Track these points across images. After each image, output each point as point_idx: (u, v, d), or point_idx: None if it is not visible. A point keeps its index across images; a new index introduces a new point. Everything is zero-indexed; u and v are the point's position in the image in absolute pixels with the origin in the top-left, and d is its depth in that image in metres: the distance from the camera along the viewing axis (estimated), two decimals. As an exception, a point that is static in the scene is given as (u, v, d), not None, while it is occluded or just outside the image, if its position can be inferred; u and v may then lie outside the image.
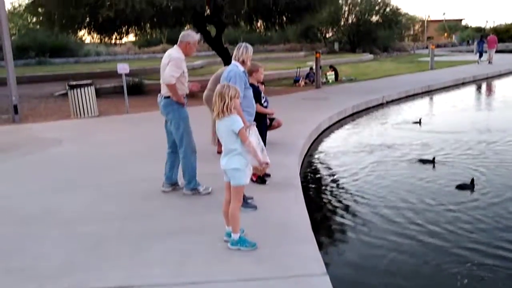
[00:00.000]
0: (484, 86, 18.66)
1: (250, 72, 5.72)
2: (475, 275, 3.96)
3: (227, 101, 3.71)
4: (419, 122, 10.57)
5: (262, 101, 5.97)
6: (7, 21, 11.69)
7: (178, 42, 5.25)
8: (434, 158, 7.34)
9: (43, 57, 31.39)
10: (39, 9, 15.44)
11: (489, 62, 26.42)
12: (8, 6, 18.86)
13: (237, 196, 3.88)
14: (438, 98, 15.47)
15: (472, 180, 6.15)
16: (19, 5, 16.70)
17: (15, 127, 10.65)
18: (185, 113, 5.28)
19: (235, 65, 5.10)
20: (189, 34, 5.26)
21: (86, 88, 11.51)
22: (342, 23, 45.86)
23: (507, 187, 6.14)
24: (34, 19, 17.15)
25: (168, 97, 5.18)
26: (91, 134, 9.53)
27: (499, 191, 5.97)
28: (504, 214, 5.25)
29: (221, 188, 5.22)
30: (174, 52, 5.20)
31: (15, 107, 11.23)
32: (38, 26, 19.59)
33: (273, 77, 20.62)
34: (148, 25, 17.43)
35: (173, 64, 5.09)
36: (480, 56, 27.89)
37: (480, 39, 29.60)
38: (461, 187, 6.13)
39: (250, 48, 5.14)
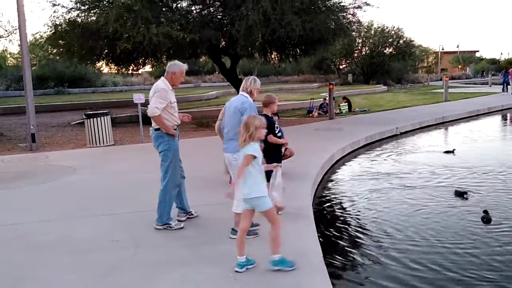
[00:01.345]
0: (501, 117, 18.51)
1: (266, 104, 5.85)
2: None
3: (251, 131, 3.91)
4: (453, 152, 10.54)
5: (276, 131, 6.01)
6: (28, 54, 12.07)
7: (165, 73, 5.30)
8: (465, 193, 7.07)
9: (62, 87, 32.16)
10: (60, 41, 15.91)
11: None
12: (29, 38, 19.46)
13: (272, 219, 3.99)
14: (453, 129, 15.36)
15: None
16: (41, 37, 17.17)
17: (32, 155, 10.83)
18: (175, 145, 5.27)
19: (247, 96, 5.21)
20: (175, 64, 5.31)
21: (102, 118, 11.73)
22: (356, 54, 46.35)
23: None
24: (55, 51, 17.61)
25: (159, 129, 5.18)
26: (106, 162, 9.65)
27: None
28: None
29: (229, 218, 5.22)
30: (160, 84, 5.22)
31: (33, 136, 11.46)
32: (58, 57, 20.11)
33: (287, 108, 20.76)
34: (165, 56, 17.82)
35: (157, 95, 5.12)
36: (506, 86, 28.01)
37: (506, 70, 30.15)
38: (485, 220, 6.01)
39: (258, 80, 5.32)
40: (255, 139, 3.95)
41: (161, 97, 5.12)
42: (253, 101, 5.25)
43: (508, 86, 27.91)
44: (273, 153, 5.91)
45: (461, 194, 7.07)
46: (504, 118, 18.61)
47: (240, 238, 4.01)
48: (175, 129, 5.27)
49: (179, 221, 5.42)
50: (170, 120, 5.21)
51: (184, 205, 5.56)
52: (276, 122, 6.51)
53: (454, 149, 10.71)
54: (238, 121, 4.71)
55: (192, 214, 5.58)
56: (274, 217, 3.99)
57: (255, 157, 3.94)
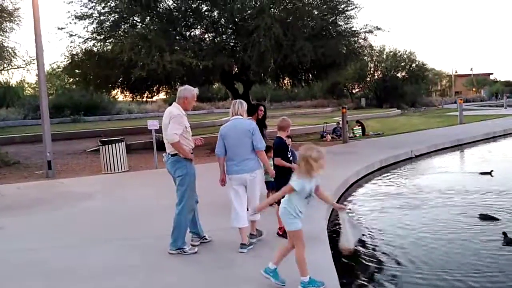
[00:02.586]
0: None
1: (283, 128, 5.85)
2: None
3: (311, 164, 4.16)
4: (490, 173, 10.29)
5: (288, 155, 6.00)
6: (45, 83, 12.36)
7: (176, 99, 5.35)
8: (495, 219, 6.87)
9: (78, 115, 32.67)
10: (76, 70, 16.25)
11: None
12: (46, 67, 19.99)
13: (296, 241, 4.13)
14: (469, 151, 15.17)
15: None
16: (58, 67, 17.54)
17: (48, 182, 10.94)
18: (193, 169, 5.30)
19: (248, 120, 5.56)
20: (186, 89, 5.36)
21: (117, 144, 11.86)
22: (368, 79, 46.43)
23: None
24: (71, 80, 17.99)
25: (175, 154, 5.21)
26: (120, 189, 9.70)
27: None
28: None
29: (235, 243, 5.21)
30: (174, 110, 5.26)
31: (49, 163, 11.60)
32: (74, 86, 20.52)
33: (300, 132, 20.77)
34: (178, 83, 18.06)
35: (174, 121, 5.15)
36: None
37: None
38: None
39: (244, 103, 5.60)
40: (312, 173, 4.15)
41: (178, 123, 5.15)
42: None
43: None
44: (284, 176, 5.86)
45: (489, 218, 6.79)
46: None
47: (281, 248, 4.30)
48: (191, 153, 5.30)
49: (192, 245, 5.39)
50: (186, 145, 5.24)
51: (198, 229, 5.54)
52: (290, 146, 6.51)
53: (492, 170, 10.37)
54: (250, 142, 5.25)
55: (206, 239, 5.56)
56: (296, 241, 4.14)
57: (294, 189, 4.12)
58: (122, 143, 12.11)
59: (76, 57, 15.49)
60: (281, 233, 5.61)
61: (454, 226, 6.75)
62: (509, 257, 5.50)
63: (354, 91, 50.89)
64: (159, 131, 13.05)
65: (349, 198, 8.97)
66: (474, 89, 73.04)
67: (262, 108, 7.26)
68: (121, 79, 16.21)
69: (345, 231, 4.22)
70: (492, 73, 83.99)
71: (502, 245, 5.89)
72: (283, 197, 4.29)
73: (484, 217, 6.93)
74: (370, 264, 5.53)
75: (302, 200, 4.12)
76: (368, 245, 6.18)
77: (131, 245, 5.70)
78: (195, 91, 5.43)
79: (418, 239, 6.25)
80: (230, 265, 4.78)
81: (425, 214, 7.49)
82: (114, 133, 21.23)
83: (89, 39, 15.01)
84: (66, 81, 19.48)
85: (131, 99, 20.72)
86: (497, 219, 6.85)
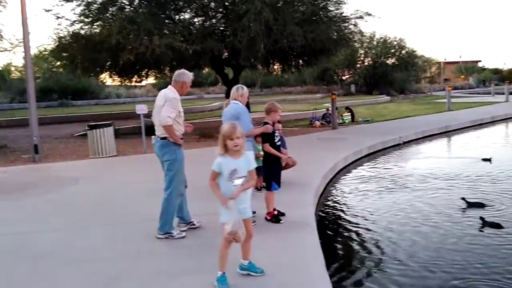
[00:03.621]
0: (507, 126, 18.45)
1: (268, 111, 5.84)
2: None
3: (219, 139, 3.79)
4: (489, 160, 10.34)
5: (276, 140, 5.99)
6: (31, 66, 12.16)
7: (173, 82, 5.28)
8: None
9: (65, 99, 32.34)
10: (63, 53, 16.02)
11: None
12: (34, 51, 19.70)
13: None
14: (456, 138, 15.31)
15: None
16: (45, 50, 17.29)
17: (35, 166, 10.84)
18: (182, 154, 5.26)
19: (236, 103, 5.79)
20: (185, 73, 5.30)
21: (105, 129, 11.76)
22: (358, 65, 46.45)
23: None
24: (58, 63, 17.75)
25: (165, 138, 5.16)
26: (108, 173, 9.65)
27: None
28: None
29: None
30: (169, 93, 5.20)
31: (36, 147, 11.48)
32: (61, 70, 20.26)
33: (290, 118, 20.78)
34: (168, 68, 17.91)
35: (169, 104, 5.09)
36: None
37: None
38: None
39: (242, 88, 5.88)
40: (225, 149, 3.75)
41: (172, 106, 5.10)
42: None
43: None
44: (271, 163, 5.88)
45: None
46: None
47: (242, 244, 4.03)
48: (181, 139, 5.27)
49: (180, 230, 5.38)
50: (177, 130, 5.20)
51: (184, 214, 5.52)
52: (278, 132, 6.50)
53: (490, 158, 10.43)
54: None
55: (194, 225, 5.53)
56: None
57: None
58: (110, 127, 12.00)
59: (63, 40, 15.27)
60: (269, 217, 5.63)
61: (433, 209, 6.88)
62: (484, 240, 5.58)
63: (344, 78, 50.91)
64: (147, 115, 12.99)
65: (337, 183, 9.01)
66: (462, 77, 73.41)
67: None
68: (109, 62, 16.02)
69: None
70: (480, 61, 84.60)
71: (480, 230, 6.00)
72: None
73: (468, 203, 6.98)
74: (356, 247, 5.59)
75: (225, 184, 3.76)
76: (353, 227, 6.24)
77: (119, 229, 5.69)
78: (192, 75, 5.39)
79: (403, 222, 6.31)
80: (218, 249, 4.78)
81: (410, 197, 7.57)
82: (102, 118, 21.03)
83: (77, 22, 14.80)
84: (53, 64, 19.20)
85: (119, 83, 20.54)
86: (484, 205, 6.93)
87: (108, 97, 37.24)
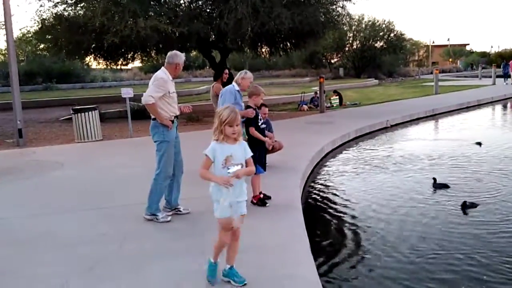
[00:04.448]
0: (491, 110, 18.61)
1: (250, 95, 5.84)
2: None
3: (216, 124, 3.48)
4: (480, 144, 10.36)
5: (259, 123, 5.95)
6: (14, 49, 11.91)
7: (166, 64, 5.23)
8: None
9: (50, 82, 31.87)
10: (47, 36, 15.71)
11: None
12: (17, 33, 19.24)
13: (219, 230, 3.56)
14: (443, 121, 15.42)
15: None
16: (28, 32, 16.89)
17: (19, 150, 10.69)
18: (170, 136, 5.18)
19: (233, 85, 6.01)
20: (177, 55, 5.24)
21: (90, 113, 11.61)
22: (347, 48, 46.36)
23: None
24: (42, 45, 17.39)
25: (155, 118, 5.13)
26: (94, 157, 9.55)
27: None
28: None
29: (210, 211, 5.24)
30: (159, 73, 5.18)
31: (20, 131, 11.31)
32: (45, 52, 19.87)
33: (277, 102, 20.72)
34: (154, 50, 17.68)
35: (155, 84, 5.07)
36: (506, 78, 30.26)
37: (506, 62, 32.69)
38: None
39: (246, 73, 6.09)
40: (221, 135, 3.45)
41: (158, 86, 5.07)
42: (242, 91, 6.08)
43: (509, 78, 29.83)
44: (255, 147, 5.85)
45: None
46: (503, 108, 18.71)
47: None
48: (172, 120, 5.18)
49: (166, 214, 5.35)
50: (167, 111, 5.15)
51: (172, 199, 5.46)
52: (263, 115, 6.47)
53: (480, 142, 10.46)
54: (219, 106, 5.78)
55: (180, 211, 5.46)
56: (220, 229, 3.57)
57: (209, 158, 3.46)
58: (96, 111, 11.84)
59: (46, 22, 14.97)
60: (255, 201, 5.61)
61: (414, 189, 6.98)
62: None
63: (332, 61, 50.83)
64: (134, 99, 12.86)
65: (324, 166, 9.03)
66: (450, 60, 73.73)
67: (226, 71, 7.31)
68: (93, 45, 15.74)
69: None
70: (468, 44, 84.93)
71: (433, 191, 6.76)
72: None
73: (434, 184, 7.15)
74: (341, 228, 5.62)
75: (219, 171, 3.44)
76: (339, 209, 6.26)
77: (105, 213, 5.64)
78: (183, 58, 5.32)
79: (384, 202, 6.35)
80: (206, 232, 4.77)
81: (393, 179, 7.62)
82: (88, 101, 20.79)
83: (60, 3, 14.52)
84: (37, 47, 18.82)
85: (105, 67, 20.25)
86: (448, 186, 7.09)
87: (94, 80, 36.78)
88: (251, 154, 3.57)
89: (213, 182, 3.46)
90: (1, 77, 30.70)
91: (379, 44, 44.86)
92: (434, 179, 7.14)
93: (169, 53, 5.29)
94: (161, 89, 5.08)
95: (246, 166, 3.51)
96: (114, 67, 20.14)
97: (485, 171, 8.03)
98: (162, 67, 5.26)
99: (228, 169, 3.39)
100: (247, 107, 5.77)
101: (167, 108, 5.15)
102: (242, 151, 3.51)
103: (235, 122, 3.40)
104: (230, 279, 3.56)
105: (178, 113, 5.31)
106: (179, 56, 5.24)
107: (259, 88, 5.84)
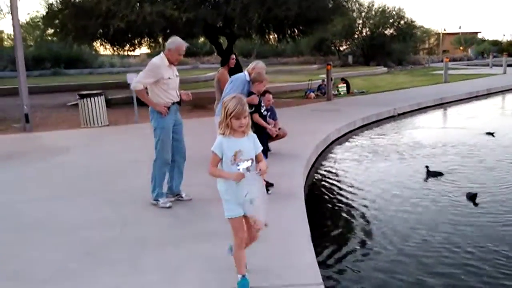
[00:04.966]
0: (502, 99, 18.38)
1: (253, 81, 5.79)
2: None
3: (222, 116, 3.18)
4: (492, 134, 10.09)
5: (262, 110, 5.92)
6: (20, 33, 11.89)
7: (166, 50, 5.17)
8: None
9: (58, 68, 31.93)
10: (54, 21, 15.69)
11: None
12: (26, 17, 19.35)
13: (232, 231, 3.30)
14: (451, 110, 15.26)
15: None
16: (36, 16, 16.93)
17: (25, 135, 10.75)
18: (164, 122, 5.12)
19: (244, 73, 5.86)
20: (175, 41, 5.15)
21: (96, 98, 11.62)
22: (356, 36, 45.89)
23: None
24: (49, 30, 17.39)
25: None
26: (99, 143, 9.58)
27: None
28: None
29: (219, 198, 5.25)
30: (154, 59, 5.14)
31: (26, 116, 11.35)
32: (53, 38, 19.88)
33: (284, 90, 20.61)
34: (161, 36, 17.60)
35: (145, 70, 5.05)
36: None
37: None
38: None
39: (257, 63, 5.95)
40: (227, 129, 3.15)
41: (148, 71, 5.04)
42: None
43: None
44: (259, 133, 5.82)
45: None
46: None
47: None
48: (168, 107, 5.11)
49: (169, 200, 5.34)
50: (162, 97, 5.09)
51: (174, 186, 5.44)
52: (265, 102, 6.43)
53: (494, 132, 10.13)
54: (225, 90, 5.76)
55: (181, 197, 5.43)
56: (232, 231, 3.31)
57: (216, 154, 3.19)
58: (102, 96, 11.86)
59: (53, 6, 14.93)
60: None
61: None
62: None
63: (341, 49, 50.37)
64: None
65: (329, 155, 8.98)
66: (461, 48, 72.82)
67: (233, 56, 7.20)
68: (100, 30, 15.69)
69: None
70: (480, 32, 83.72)
71: (424, 180, 6.81)
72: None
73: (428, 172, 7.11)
74: (344, 217, 5.59)
75: (228, 168, 3.17)
76: (342, 198, 6.23)
77: (107, 198, 5.66)
78: (181, 44, 5.15)
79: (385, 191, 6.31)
80: (206, 219, 4.78)
81: (399, 167, 7.57)
82: (95, 87, 20.80)
83: (66, -12, 14.44)
84: (44, 32, 18.83)
85: (112, 52, 20.21)
86: (442, 174, 7.07)
87: (102, 66, 36.83)
88: (262, 148, 3.29)
89: (223, 179, 3.20)
90: (9, 62, 30.80)
91: (389, 31, 44.36)
92: (427, 167, 7.11)
93: (169, 39, 5.25)
94: (152, 75, 5.03)
95: (257, 162, 3.22)
96: (121, 53, 20.10)
97: (493, 160, 7.95)
98: (161, 53, 5.20)
99: (238, 165, 3.13)
100: (250, 93, 5.72)
101: (163, 95, 5.09)
102: (252, 144, 3.21)
103: (242, 114, 3.08)
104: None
105: (177, 99, 5.23)
106: (177, 42, 5.14)
107: (262, 75, 5.79)
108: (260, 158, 3.26)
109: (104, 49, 19.22)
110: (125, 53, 20.07)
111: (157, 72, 5.03)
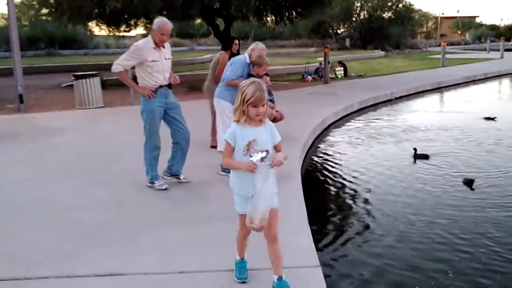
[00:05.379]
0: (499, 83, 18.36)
1: (253, 64, 5.73)
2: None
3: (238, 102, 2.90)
4: (493, 119, 9.99)
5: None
6: (14, 12, 11.69)
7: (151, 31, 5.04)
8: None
9: (53, 48, 31.59)
10: (49, 0, 15.45)
11: None
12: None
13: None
14: (448, 94, 15.23)
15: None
16: (30, -5, 16.66)
17: (20, 116, 10.65)
18: (151, 106, 4.98)
19: (244, 55, 5.81)
20: (158, 22, 4.96)
21: (91, 79, 11.51)
22: (354, 19, 45.53)
23: None
24: (44, 10, 17.13)
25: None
26: (94, 124, 9.51)
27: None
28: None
29: (219, 180, 5.26)
30: (138, 41, 5.02)
31: (21, 97, 11.24)
32: (48, 17, 19.59)
33: (281, 72, 20.48)
34: (157, 17, 17.37)
35: (127, 52, 4.92)
36: None
37: None
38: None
39: (257, 44, 5.93)
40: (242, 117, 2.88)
41: (129, 53, 4.91)
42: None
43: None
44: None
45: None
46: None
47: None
48: (153, 91, 4.94)
49: (163, 177, 5.30)
50: (148, 80, 4.95)
51: (172, 166, 5.36)
52: (268, 85, 6.38)
53: (495, 117, 10.04)
54: (225, 72, 5.74)
55: (179, 179, 5.37)
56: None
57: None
58: (97, 77, 11.74)
59: (47, -15, 14.68)
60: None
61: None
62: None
63: (339, 32, 50.02)
64: (134, 66, 12.70)
65: (326, 138, 8.96)
66: (459, 32, 72.50)
67: (236, 42, 7.07)
68: (96, 10, 15.47)
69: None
70: (478, 16, 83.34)
71: (413, 162, 6.95)
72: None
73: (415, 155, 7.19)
74: (340, 199, 5.60)
75: (240, 159, 2.91)
76: (338, 181, 6.23)
77: (102, 180, 5.62)
78: (165, 24, 4.94)
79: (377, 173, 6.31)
80: (203, 201, 4.77)
81: (395, 150, 7.59)
82: (91, 68, 20.59)
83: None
84: (39, 12, 18.55)
85: (108, 33, 19.97)
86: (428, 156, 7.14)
87: (97, 47, 36.44)
88: (280, 138, 2.99)
89: (236, 170, 2.95)
90: (3, 41, 30.41)
91: (387, 14, 44.06)
92: (415, 149, 7.19)
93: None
94: (133, 57, 4.89)
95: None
96: (117, 33, 19.86)
97: (488, 143, 7.96)
98: (150, 35, 5.06)
99: (251, 156, 2.84)
100: (249, 75, 5.66)
101: (148, 77, 4.95)
102: (269, 134, 2.93)
103: (261, 102, 2.81)
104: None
105: (164, 82, 5.04)
106: (160, 22, 4.95)
107: (263, 59, 5.72)
108: (279, 149, 2.99)
109: (99, 30, 18.98)
110: (121, 34, 19.83)
111: (139, 54, 4.88)
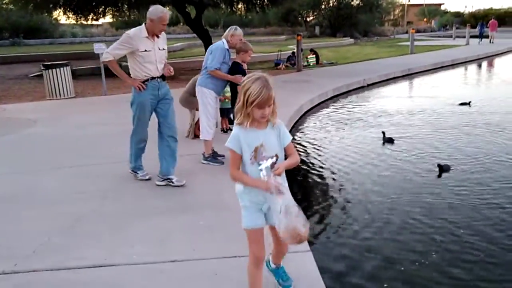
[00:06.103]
0: (462, 69, 18.87)
1: (238, 51, 5.65)
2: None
3: (241, 102, 2.46)
4: (468, 104, 10.21)
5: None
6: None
7: (147, 20, 4.78)
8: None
9: (17, 38, 30.60)
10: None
11: (490, 42, 31.03)
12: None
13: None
14: (418, 80, 15.58)
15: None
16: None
17: (-12, 108, 10.33)
18: (141, 98, 4.78)
19: (222, 41, 5.65)
20: (152, 11, 4.71)
21: (61, 69, 11.25)
22: (323, 6, 45.75)
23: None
24: (8, -1, 16.56)
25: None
26: (67, 115, 9.31)
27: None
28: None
29: (203, 169, 5.24)
30: (131, 30, 4.79)
31: (-12, 88, 10.88)
32: (11, 6, 18.93)
33: (253, 60, 20.40)
34: (126, 5, 17.03)
35: (117, 41, 4.72)
36: (481, 38, 32.19)
37: (481, 23, 34.42)
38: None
39: (235, 29, 5.68)
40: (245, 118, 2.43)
41: (119, 42, 4.70)
42: (231, 48, 5.69)
43: (483, 38, 31.91)
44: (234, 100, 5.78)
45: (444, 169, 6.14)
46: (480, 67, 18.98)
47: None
48: (143, 82, 4.74)
49: (157, 184, 5.03)
50: (138, 71, 4.75)
51: (163, 167, 4.97)
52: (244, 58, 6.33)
53: (470, 102, 10.29)
54: (206, 61, 5.64)
55: (172, 182, 4.91)
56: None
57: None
58: (67, 67, 11.47)
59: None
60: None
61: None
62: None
63: (308, 19, 50.20)
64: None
65: (302, 125, 9.05)
66: (425, 20, 73.79)
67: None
68: (63, -2, 15.06)
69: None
70: (443, 4, 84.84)
71: (382, 145, 7.25)
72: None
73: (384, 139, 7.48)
74: (319, 186, 5.69)
75: (246, 167, 2.49)
76: (316, 167, 6.32)
77: (82, 171, 5.54)
78: (164, 13, 4.75)
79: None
80: (188, 190, 4.77)
81: (367, 134, 7.78)
82: (58, 58, 20.08)
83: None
84: (2, 0, 17.90)
85: (74, 22, 19.46)
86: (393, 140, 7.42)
87: (63, 36, 35.45)
88: (291, 137, 2.59)
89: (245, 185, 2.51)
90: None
91: (355, 2, 44.44)
92: (383, 133, 7.52)
93: (150, 8, 4.82)
94: (124, 45, 4.68)
95: (285, 158, 2.55)
96: (84, 22, 19.38)
97: (463, 127, 8.21)
98: (143, 24, 4.84)
99: (259, 164, 2.42)
100: (234, 63, 5.63)
101: (139, 68, 4.75)
102: (277, 136, 2.51)
103: (267, 102, 2.38)
104: (276, 276, 2.94)
105: (156, 74, 4.83)
106: (161, 12, 4.75)
107: (248, 45, 5.67)
108: (290, 151, 2.57)
109: (66, 18, 18.44)
110: (88, 22, 19.35)
111: (130, 44, 4.68)
